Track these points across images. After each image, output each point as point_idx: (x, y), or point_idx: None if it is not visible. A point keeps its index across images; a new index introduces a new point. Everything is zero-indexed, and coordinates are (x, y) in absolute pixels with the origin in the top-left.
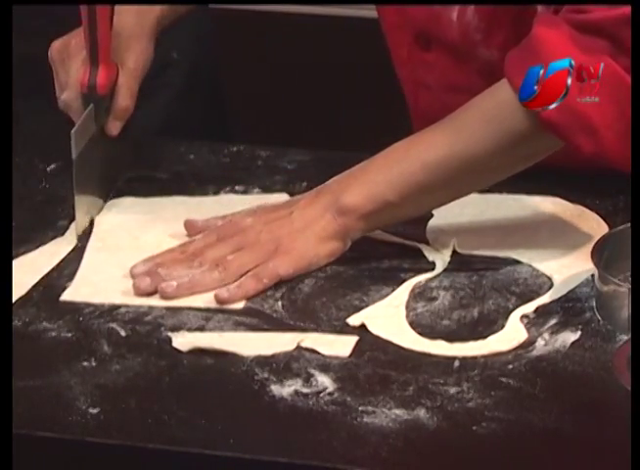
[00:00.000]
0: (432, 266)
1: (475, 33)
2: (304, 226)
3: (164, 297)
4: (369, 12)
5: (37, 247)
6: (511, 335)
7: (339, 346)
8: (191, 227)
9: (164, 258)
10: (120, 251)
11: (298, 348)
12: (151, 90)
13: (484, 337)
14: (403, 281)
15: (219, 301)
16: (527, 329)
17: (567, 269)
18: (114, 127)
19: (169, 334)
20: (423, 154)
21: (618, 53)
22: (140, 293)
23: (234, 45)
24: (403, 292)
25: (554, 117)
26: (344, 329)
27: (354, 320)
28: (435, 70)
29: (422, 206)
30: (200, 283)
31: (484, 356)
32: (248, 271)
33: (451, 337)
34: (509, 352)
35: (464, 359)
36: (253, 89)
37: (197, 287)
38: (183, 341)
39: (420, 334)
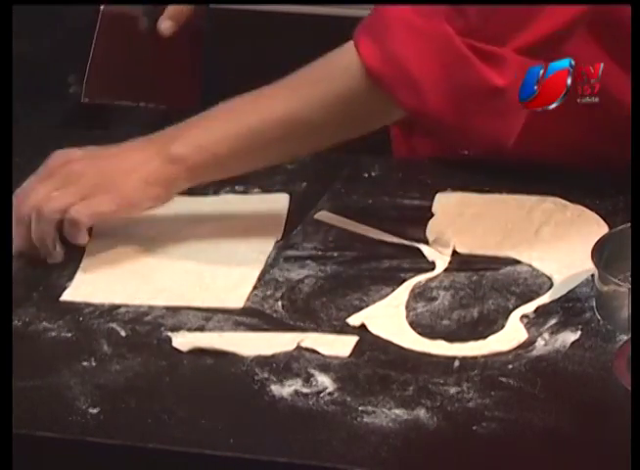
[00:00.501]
0: (432, 266)
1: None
2: (132, 168)
3: None
4: (368, 12)
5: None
6: (511, 335)
7: (339, 346)
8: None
9: None
10: (120, 251)
11: (298, 348)
12: None
13: (484, 337)
14: (403, 281)
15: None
16: (527, 329)
17: (567, 269)
18: (166, 26)
19: (169, 334)
20: (259, 110)
21: (456, 17)
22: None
23: (233, 45)
24: (403, 292)
25: (377, 66)
26: (344, 329)
27: (354, 320)
28: None
29: (250, 163)
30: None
31: (484, 356)
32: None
33: (451, 337)
34: (509, 352)
35: (464, 359)
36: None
37: (20, 235)
38: (183, 341)
39: (420, 334)
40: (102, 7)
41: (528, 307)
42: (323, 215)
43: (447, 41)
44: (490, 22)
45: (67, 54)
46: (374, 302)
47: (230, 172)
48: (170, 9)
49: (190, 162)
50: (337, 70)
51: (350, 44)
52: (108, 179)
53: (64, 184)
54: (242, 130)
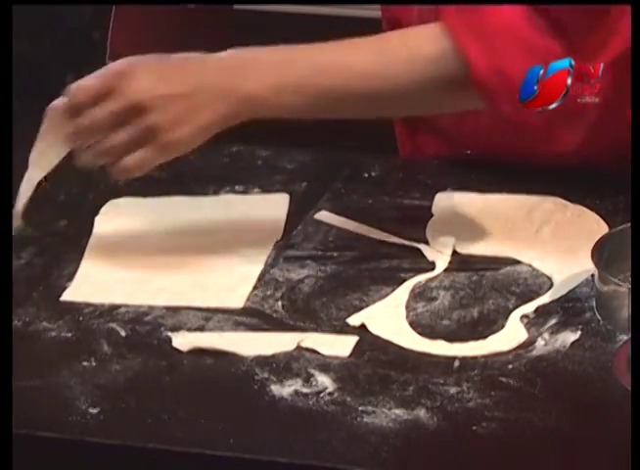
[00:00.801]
0: (432, 266)
1: (429, 14)
2: (195, 111)
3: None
4: (369, 12)
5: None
6: (511, 335)
7: (339, 346)
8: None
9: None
10: (120, 251)
11: (298, 348)
12: None
13: (484, 337)
14: (403, 281)
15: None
16: (527, 329)
17: (567, 269)
18: None
19: (169, 334)
20: (344, 61)
21: (560, 33)
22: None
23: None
24: (403, 292)
25: (484, 77)
26: (344, 329)
27: (354, 320)
28: None
29: (321, 114)
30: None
31: (484, 356)
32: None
33: (451, 337)
34: (509, 352)
35: (464, 359)
36: None
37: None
38: (183, 341)
39: (420, 334)
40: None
41: (528, 307)
42: (323, 215)
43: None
44: (586, 39)
45: (65, 54)
46: (374, 302)
47: (295, 116)
48: None
49: (262, 103)
50: (430, 54)
51: (437, 31)
52: (170, 124)
53: (130, 117)
54: (323, 81)
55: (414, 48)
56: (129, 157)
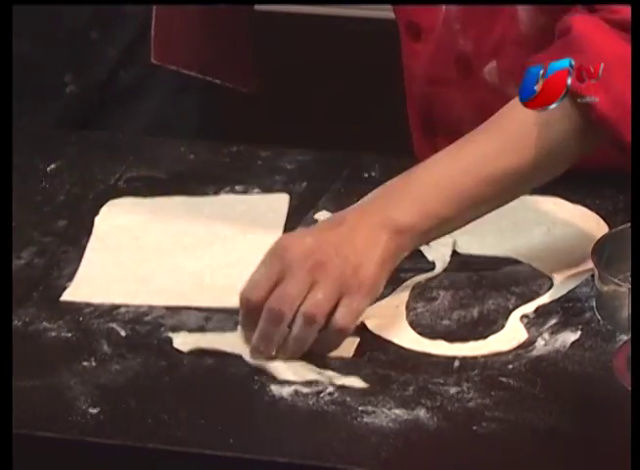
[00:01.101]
0: (432, 266)
1: (454, 22)
2: (366, 247)
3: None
4: (368, 12)
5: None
6: (511, 335)
7: (342, 347)
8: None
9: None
10: (120, 251)
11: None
12: (143, 89)
13: (485, 337)
14: (403, 281)
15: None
16: (527, 329)
17: (567, 269)
18: None
19: (170, 334)
20: (472, 164)
21: None
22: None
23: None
24: (403, 292)
25: (607, 112)
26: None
27: None
28: (420, 60)
29: (473, 218)
30: (304, 342)
31: (484, 356)
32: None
33: (451, 337)
34: (509, 351)
35: (464, 359)
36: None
37: (304, 347)
38: (184, 341)
39: (420, 334)
40: None
41: (528, 307)
42: (323, 216)
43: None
44: None
45: (63, 54)
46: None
47: (453, 230)
48: None
49: (421, 229)
50: (552, 117)
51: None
52: (354, 267)
53: (315, 280)
54: (463, 191)
55: (542, 126)
56: (337, 314)
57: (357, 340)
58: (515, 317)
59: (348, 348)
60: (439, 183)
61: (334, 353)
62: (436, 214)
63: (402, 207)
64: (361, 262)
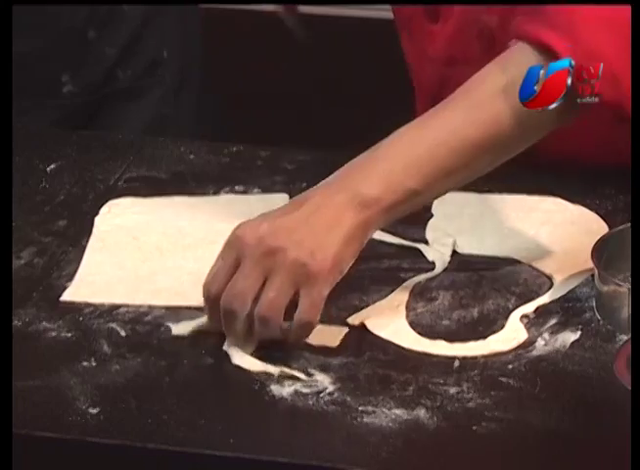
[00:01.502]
0: (432, 266)
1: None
2: (327, 227)
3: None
4: (369, 12)
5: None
6: (511, 335)
7: (327, 336)
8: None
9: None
10: (120, 251)
11: (299, 348)
12: (141, 89)
13: (484, 337)
14: (403, 281)
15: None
16: (527, 329)
17: (567, 269)
18: None
19: (169, 324)
20: (439, 135)
21: None
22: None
23: (233, 45)
24: (403, 292)
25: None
26: None
27: (354, 320)
28: (438, 41)
29: (442, 190)
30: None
31: (485, 356)
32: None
33: (451, 337)
34: (509, 351)
35: (464, 359)
36: (253, 89)
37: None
38: (182, 326)
39: (420, 334)
40: None
41: (528, 307)
42: None
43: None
44: None
45: (60, 53)
46: (374, 301)
47: (421, 204)
48: None
49: (388, 202)
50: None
51: (519, 48)
52: (310, 252)
53: (269, 269)
54: (430, 162)
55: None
56: (300, 308)
57: (345, 330)
58: (515, 317)
59: (334, 337)
60: (406, 154)
61: (317, 342)
62: (403, 186)
63: (368, 181)
64: (319, 245)
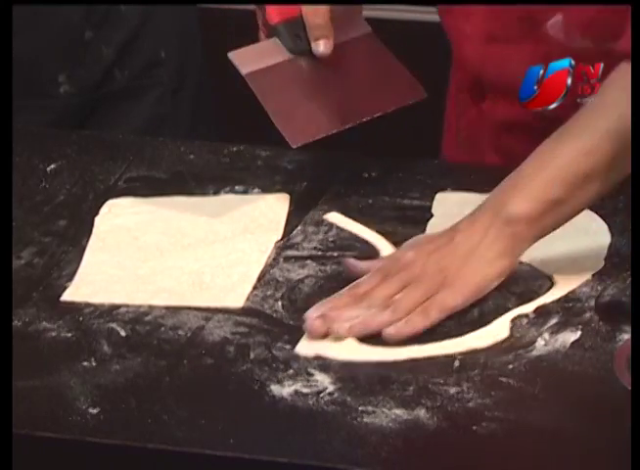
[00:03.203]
0: None
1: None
2: (469, 250)
3: (338, 335)
4: (368, 12)
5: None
6: (492, 332)
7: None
8: (352, 268)
9: (335, 302)
10: (120, 251)
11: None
12: (139, 89)
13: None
14: None
15: (386, 337)
16: (527, 329)
17: (567, 269)
18: (318, 46)
19: (294, 347)
20: (576, 141)
21: None
22: (313, 335)
23: (233, 45)
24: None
25: None
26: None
27: (307, 350)
28: (476, 18)
29: (586, 196)
30: (371, 323)
31: (485, 356)
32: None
33: (451, 337)
34: (487, 348)
35: (464, 359)
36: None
37: (369, 327)
38: (306, 346)
39: (420, 334)
40: (242, 72)
41: (528, 307)
42: (333, 217)
43: None
44: None
45: (57, 53)
46: None
47: (569, 215)
48: (313, 27)
49: (532, 215)
50: None
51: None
52: (448, 273)
53: (404, 285)
54: (568, 169)
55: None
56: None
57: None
58: (507, 316)
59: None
60: (546, 166)
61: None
62: (547, 197)
63: (511, 198)
64: (459, 266)
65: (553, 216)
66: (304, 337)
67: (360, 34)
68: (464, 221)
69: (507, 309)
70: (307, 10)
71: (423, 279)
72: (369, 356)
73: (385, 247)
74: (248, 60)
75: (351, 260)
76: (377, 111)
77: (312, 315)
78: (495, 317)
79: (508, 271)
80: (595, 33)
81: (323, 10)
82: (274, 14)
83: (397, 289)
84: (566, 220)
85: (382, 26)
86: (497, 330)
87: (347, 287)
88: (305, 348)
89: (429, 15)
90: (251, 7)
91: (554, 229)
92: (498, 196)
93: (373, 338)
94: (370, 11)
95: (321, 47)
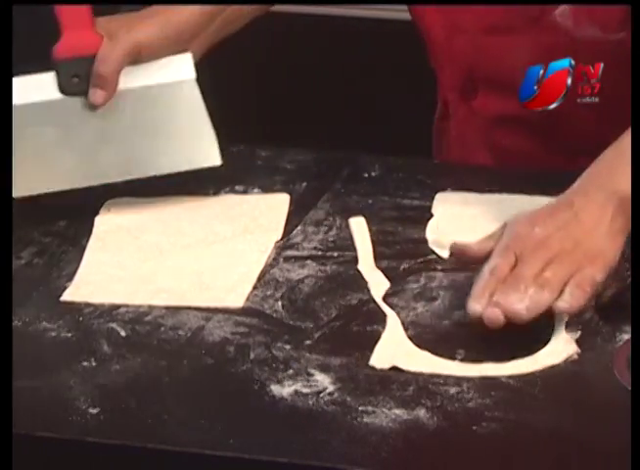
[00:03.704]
0: (432, 267)
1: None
2: (594, 227)
3: (517, 321)
4: (368, 12)
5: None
6: (562, 347)
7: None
8: (466, 251)
9: (488, 287)
10: (120, 251)
11: (299, 348)
12: None
13: (484, 337)
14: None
15: (561, 311)
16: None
17: None
18: (94, 95)
19: (373, 362)
20: None
21: None
22: (495, 324)
23: (228, 44)
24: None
25: None
26: (345, 331)
27: (382, 364)
28: (471, 11)
29: None
30: (541, 302)
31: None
32: (565, 283)
33: (451, 337)
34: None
35: (463, 359)
36: (253, 89)
37: (541, 306)
38: (381, 359)
39: (420, 334)
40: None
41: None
42: (356, 223)
43: None
44: None
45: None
46: (374, 301)
47: None
48: (95, 76)
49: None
50: None
51: None
52: (586, 248)
53: (548, 263)
54: None
55: None
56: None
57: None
58: (560, 330)
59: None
60: None
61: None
62: None
63: (619, 177)
64: (592, 240)
65: None
66: (377, 348)
67: (178, 80)
68: (578, 198)
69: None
70: (100, 55)
71: (563, 256)
72: (442, 370)
73: (364, 260)
74: (24, 89)
75: (460, 244)
76: (145, 172)
77: (476, 307)
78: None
79: (624, 246)
80: (603, 21)
81: (115, 60)
82: (63, 48)
83: (542, 267)
84: None
85: (382, 26)
86: (564, 345)
87: (482, 271)
88: (381, 361)
89: None
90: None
91: None
92: (610, 171)
93: (447, 349)
94: (371, 10)
95: (95, 97)
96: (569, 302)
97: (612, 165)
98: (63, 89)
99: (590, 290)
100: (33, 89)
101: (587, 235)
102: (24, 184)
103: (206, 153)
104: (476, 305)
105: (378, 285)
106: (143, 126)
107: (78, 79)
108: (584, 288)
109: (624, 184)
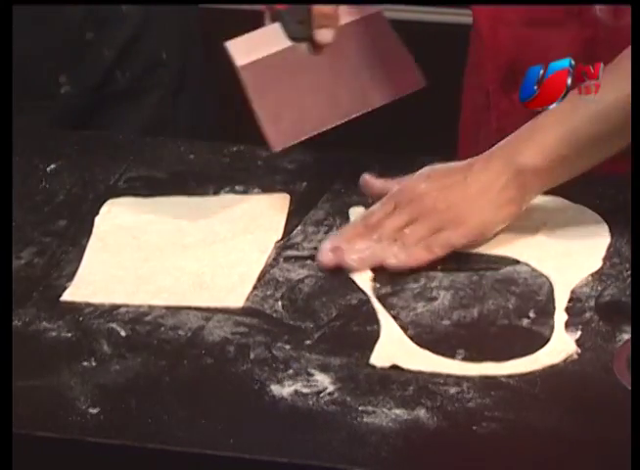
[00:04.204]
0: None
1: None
2: (480, 192)
3: (348, 269)
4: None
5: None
6: (561, 346)
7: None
8: (369, 186)
9: (348, 234)
10: (120, 251)
11: (299, 348)
12: (140, 90)
13: (484, 337)
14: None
15: (388, 267)
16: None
17: (567, 269)
18: (320, 34)
19: (376, 362)
20: (590, 107)
21: None
22: (324, 267)
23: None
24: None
25: None
26: (345, 331)
27: (383, 362)
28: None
29: (595, 157)
30: (380, 255)
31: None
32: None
33: (451, 337)
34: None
35: (463, 359)
36: None
37: (377, 259)
38: (381, 357)
39: (420, 333)
40: (237, 63)
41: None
42: (358, 212)
43: None
44: None
45: (58, 54)
46: (373, 301)
47: (577, 172)
48: (319, 16)
49: (541, 168)
50: None
51: None
52: (457, 211)
53: (415, 219)
54: (582, 125)
55: None
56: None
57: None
58: (560, 328)
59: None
60: (562, 123)
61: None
62: (557, 153)
63: (524, 149)
64: (468, 206)
65: (560, 172)
66: (377, 347)
67: (367, 14)
68: (478, 162)
69: (507, 309)
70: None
71: (431, 214)
72: (442, 369)
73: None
74: (244, 50)
75: (368, 178)
76: (370, 105)
77: (326, 247)
78: (495, 317)
79: (513, 218)
80: None
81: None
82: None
83: (407, 221)
84: (570, 177)
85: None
86: (563, 344)
87: (362, 215)
88: (381, 359)
89: (436, 16)
90: (253, 7)
91: (558, 183)
92: (514, 144)
93: (447, 349)
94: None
95: (323, 35)
96: (402, 259)
97: (521, 138)
98: (292, 36)
99: (440, 251)
100: (261, 44)
101: (466, 200)
102: (281, 137)
103: (410, 78)
104: (324, 245)
105: (361, 274)
106: (363, 59)
107: (302, 25)
108: (432, 249)
109: (528, 158)
